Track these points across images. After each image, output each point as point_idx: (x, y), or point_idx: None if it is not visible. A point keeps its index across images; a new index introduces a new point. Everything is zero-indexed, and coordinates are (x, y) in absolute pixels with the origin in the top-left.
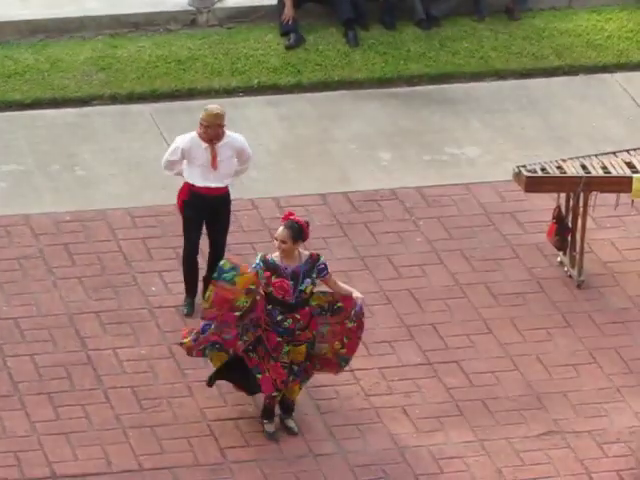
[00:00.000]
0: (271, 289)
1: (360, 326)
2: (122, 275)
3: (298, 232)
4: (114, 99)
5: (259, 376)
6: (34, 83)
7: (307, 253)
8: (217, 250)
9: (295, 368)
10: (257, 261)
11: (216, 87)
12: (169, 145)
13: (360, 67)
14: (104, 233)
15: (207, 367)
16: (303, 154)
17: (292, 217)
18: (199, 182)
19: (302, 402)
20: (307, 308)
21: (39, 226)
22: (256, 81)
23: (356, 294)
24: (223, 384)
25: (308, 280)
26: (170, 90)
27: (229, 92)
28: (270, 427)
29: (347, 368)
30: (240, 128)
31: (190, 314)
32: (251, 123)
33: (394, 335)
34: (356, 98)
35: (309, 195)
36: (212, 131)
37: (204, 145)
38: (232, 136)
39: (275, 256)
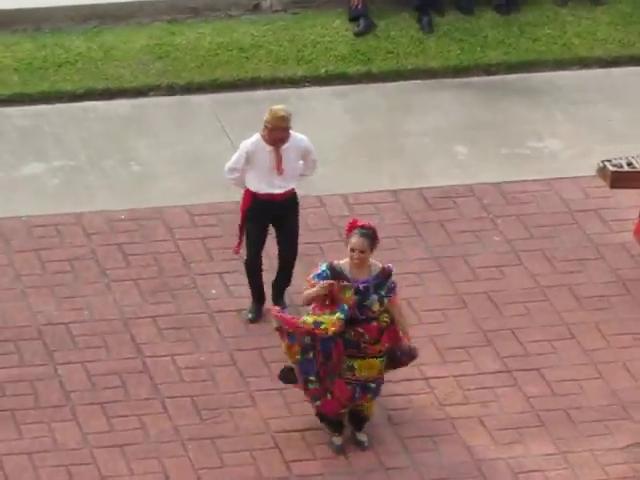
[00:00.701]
0: None
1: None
2: (180, 277)
3: (374, 239)
4: (172, 90)
5: (318, 403)
6: (86, 73)
7: (379, 266)
8: (287, 253)
9: (372, 385)
10: (323, 268)
11: (281, 76)
12: (230, 139)
13: (435, 55)
14: (161, 232)
15: (271, 375)
16: (373, 148)
17: (360, 224)
18: (263, 188)
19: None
20: (375, 323)
21: (92, 225)
22: (323, 70)
23: (407, 341)
24: (288, 393)
25: (375, 297)
26: (232, 80)
27: (294, 82)
28: (338, 439)
29: (420, 375)
30: (306, 120)
31: (254, 320)
32: (318, 115)
33: (470, 341)
34: (430, 88)
35: (380, 192)
36: (277, 134)
37: (268, 148)
38: (297, 137)
39: (343, 264)
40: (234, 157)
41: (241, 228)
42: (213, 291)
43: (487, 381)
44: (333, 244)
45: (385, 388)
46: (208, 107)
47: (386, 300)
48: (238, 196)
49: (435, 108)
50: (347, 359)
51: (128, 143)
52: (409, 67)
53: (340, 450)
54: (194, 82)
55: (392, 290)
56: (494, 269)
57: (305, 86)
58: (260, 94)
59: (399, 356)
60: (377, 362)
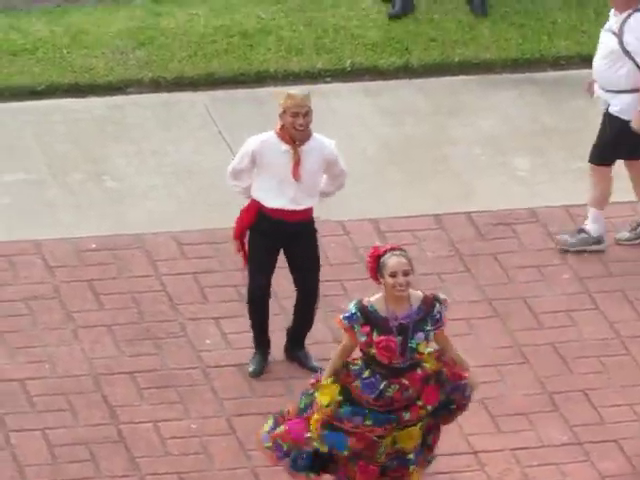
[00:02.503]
0: (373, 351)
1: (460, 408)
2: (166, 323)
3: (410, 260)
4: (157, 85)
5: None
6: (49, 63)
7: (420, 294)
8: (305, 292)
9: (410, 457)
10: (353, 310)
11: (295, 70)
12: (230, 147)
13: (489, 44)
14: (142, 266)
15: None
16: (412, 161)
17: (388, 247)
18: (272, 201)
19: None
20: (419, 371)
21: (54, 256)
22: (349, 62)
23: (470, 371)
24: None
25: (421, 335)
26: (232, 74)
27: (313, 76)
28: None
29: (468, 448)
30: (327, 124)
31: (257, 374)
32: (342, 118)
33: (532, 405)
34: (484, 86)
35: (420, 216)
36: (305, 120)
37: (284, 147)
38: (321, 140)
39: (376, 301)
40: (238, 154)
41: (241, 244)
42: (207, 341)
43: (553, 456)
44: (360, 282)
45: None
46: (202, 107)
47: (432, 335)
48: (235, 222)
49: (489, 110)
50: (377, 438)
51: (101, 152)
52: (457, 59)
53: None
54: (184, 76)
55: (439, 321)
56: (562, 315)
57: (326, 82)
58: (267, 91)
59: (457, 400)
60: (417, 430)
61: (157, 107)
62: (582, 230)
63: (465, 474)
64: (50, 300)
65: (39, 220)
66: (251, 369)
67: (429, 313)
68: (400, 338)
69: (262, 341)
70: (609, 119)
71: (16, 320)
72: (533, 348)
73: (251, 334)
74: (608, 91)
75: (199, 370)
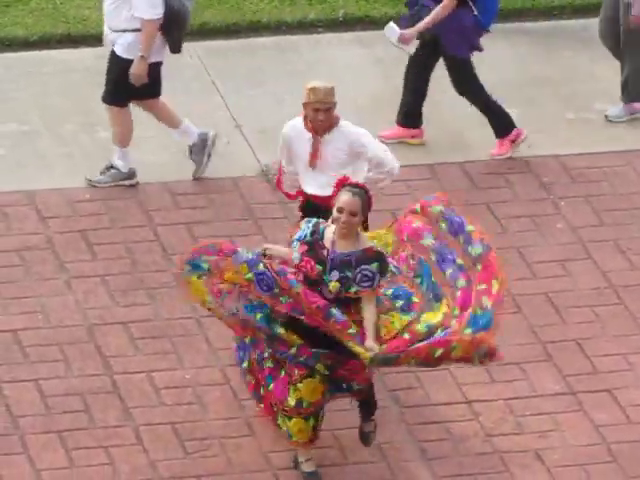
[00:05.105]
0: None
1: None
2: (159, 273)
3: (367, 202)
4: None
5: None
6: (42, 14)
7: (367, 244)
8: None
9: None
10: (307, 225)
11: (287, 20)
12: (223, 97)
13: None
14: (135, 216)
15: None
16: None
17: (351, 182)
18: (306, 186)
19: (402, 442)
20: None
21: (47, 206)
22: (341, 12)
23: (369, 344)
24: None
25: (335, 273)
26: (225, 23)
27: (305, 27)
28: (309, 466)
29: (462, 398)
30: (319, 75)
31: None
32: (335, 68)
33: (525, 355)
34: None
35: (413, 166)
36: (326, 115)
37: (307, 135)
38: (346, 128)
39: (329, 231)
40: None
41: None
42: None
43: (546, 405)
44: None
45: (417, 414)
46: (195, 57)
47: (354, 288)
48: (234, 170)
49: (481, 60)
50: None
51: (93, 103)
52: None
53: (313, 477)
54: None
55: (365, 280)
56: (555, 264)
57: (318, 32)
58: (261, 42)
59: None
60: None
61: None
62: (112, 167)
63: (459, 424)
64: (43, 251)
65: (32, 171)
66: None
67: (365, 263)
68: (320, 268)
69: None
70: (115, 59)
71: (9, 271)
72: (527, 298)
73: None
74: (114, 31)
75: (193, 320)
